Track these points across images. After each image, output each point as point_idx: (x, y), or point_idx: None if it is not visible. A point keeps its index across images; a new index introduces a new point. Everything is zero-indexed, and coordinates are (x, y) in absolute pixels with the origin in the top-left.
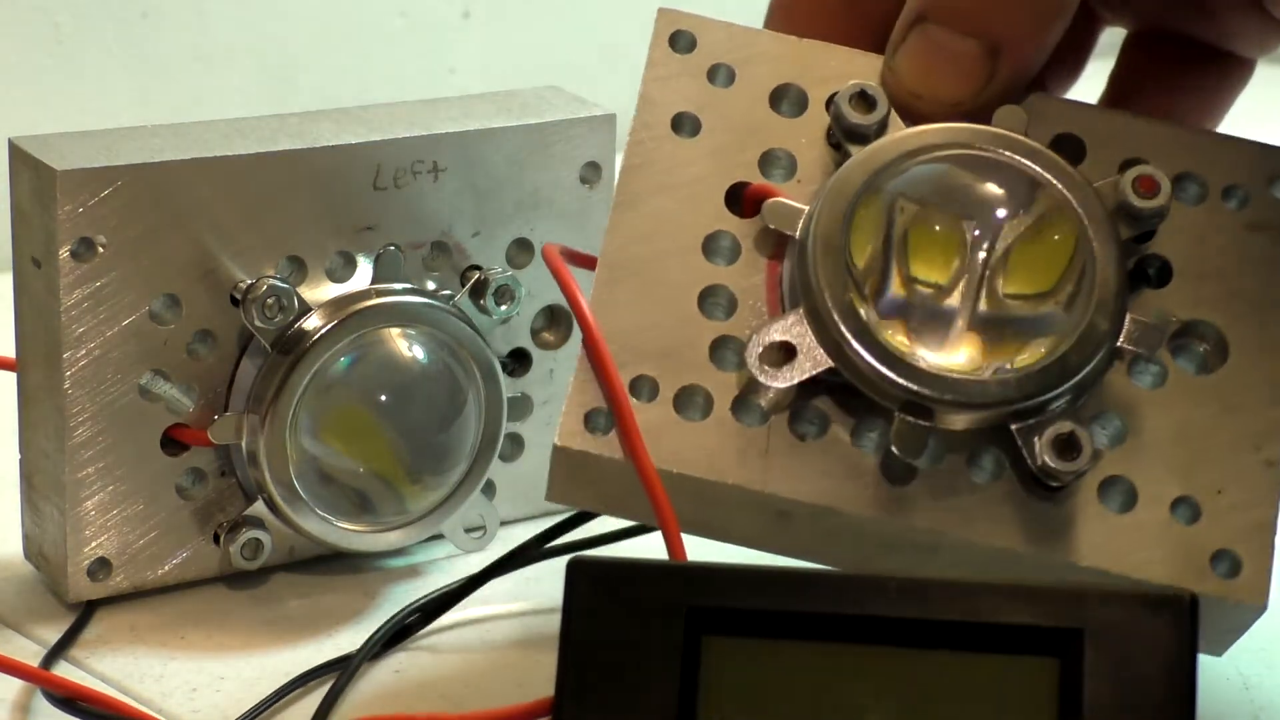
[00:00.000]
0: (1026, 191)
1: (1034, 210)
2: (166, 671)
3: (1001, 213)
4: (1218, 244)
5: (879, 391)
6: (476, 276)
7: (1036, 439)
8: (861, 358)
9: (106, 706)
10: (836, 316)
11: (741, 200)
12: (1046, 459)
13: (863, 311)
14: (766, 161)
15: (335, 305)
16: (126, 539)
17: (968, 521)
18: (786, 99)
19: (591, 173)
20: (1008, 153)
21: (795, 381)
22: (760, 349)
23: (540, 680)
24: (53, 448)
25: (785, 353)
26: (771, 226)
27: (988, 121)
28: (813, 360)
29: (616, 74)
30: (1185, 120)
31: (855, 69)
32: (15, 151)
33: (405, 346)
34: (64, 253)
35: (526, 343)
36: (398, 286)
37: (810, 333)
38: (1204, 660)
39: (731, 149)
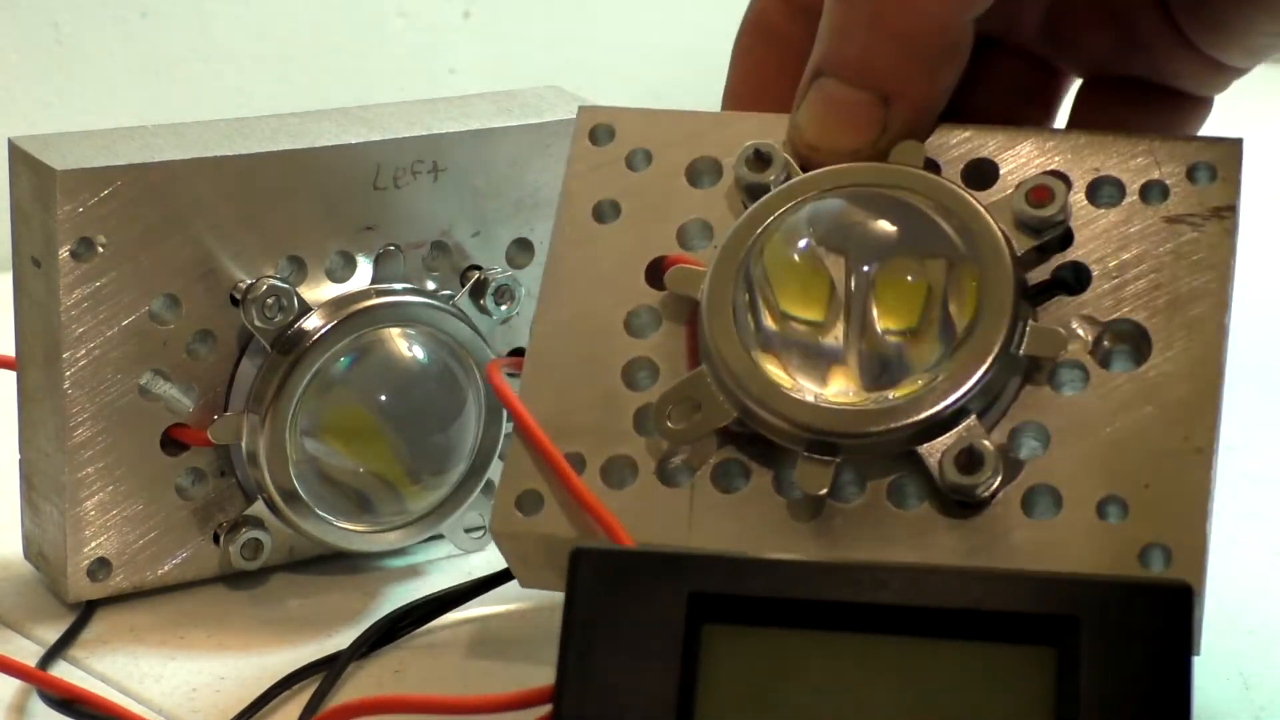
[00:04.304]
0: (914, 218)
1: (922, 237)
2: (166, 671)
3: (891, 243)
4: (1137, 242)
5: (783, 436)
6: (476, 276)
7: (941, 458)
8: (758, 404)
9: (101, 708)
10: (731, 368)
11: (661, 273)
12: (950, 476)
13: (757, 360)
14: (684, 234)
15: (335, 305)
16: (126, 539)
17: (894, 548)
18: (703, 171)
19: None
20: (893, 183)
21: (700, 436)
22: (668, 408)
23: (540, 678)
24: (53, 448)
25: (691, 409)
26: (676, 292)
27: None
28: (717, 414)
29: (616, 74)
30: None
31: (768, 131)
32: (15, 151)
33: (405, 346)
34: (64, 253)
35: (526, 343)
36: (398, 286)
37: (712, 387)
38: (1204, 659)
39: (650, 227)
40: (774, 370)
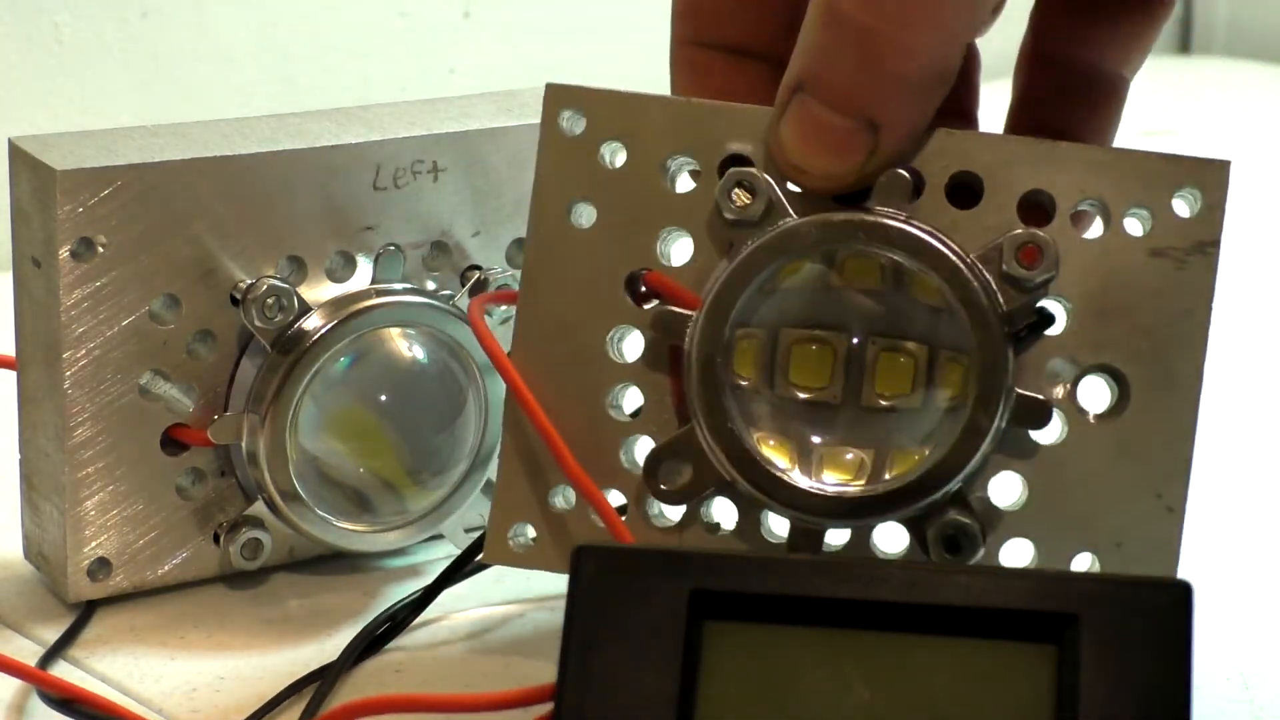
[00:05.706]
0: (900, 292)
1: (906, 313)
2: (166, 671)
3: (874, 318)
4: (1121, 276)
5: (769, 505)
6: (476, 276)
7: (928, 532)
8: (747, 482)
9: (101, 708)
10: (720, 443)
11: (640, 285)
12: (936, 555)
13: (746, 430)
14: (663, 241)
15: (335, 305)
16: (126, 539)
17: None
18: (681, 171)
19: None
20: (879, 239)
21: (691, 498)
22: (657, 467)
23: (541, 677)
24: (53, 448)
25: (681, 466)
26: (660, 337)
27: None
28: (707, 477)
29: (616, 74)
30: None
31: (746, 127)
32: (15, 151)
33: (405, 346)
34: (64, 253)
35: None
36: (398, 286)
37: (703, 448)
38: (1204, 659)
39: (627, 233)
40: (763, 445)
